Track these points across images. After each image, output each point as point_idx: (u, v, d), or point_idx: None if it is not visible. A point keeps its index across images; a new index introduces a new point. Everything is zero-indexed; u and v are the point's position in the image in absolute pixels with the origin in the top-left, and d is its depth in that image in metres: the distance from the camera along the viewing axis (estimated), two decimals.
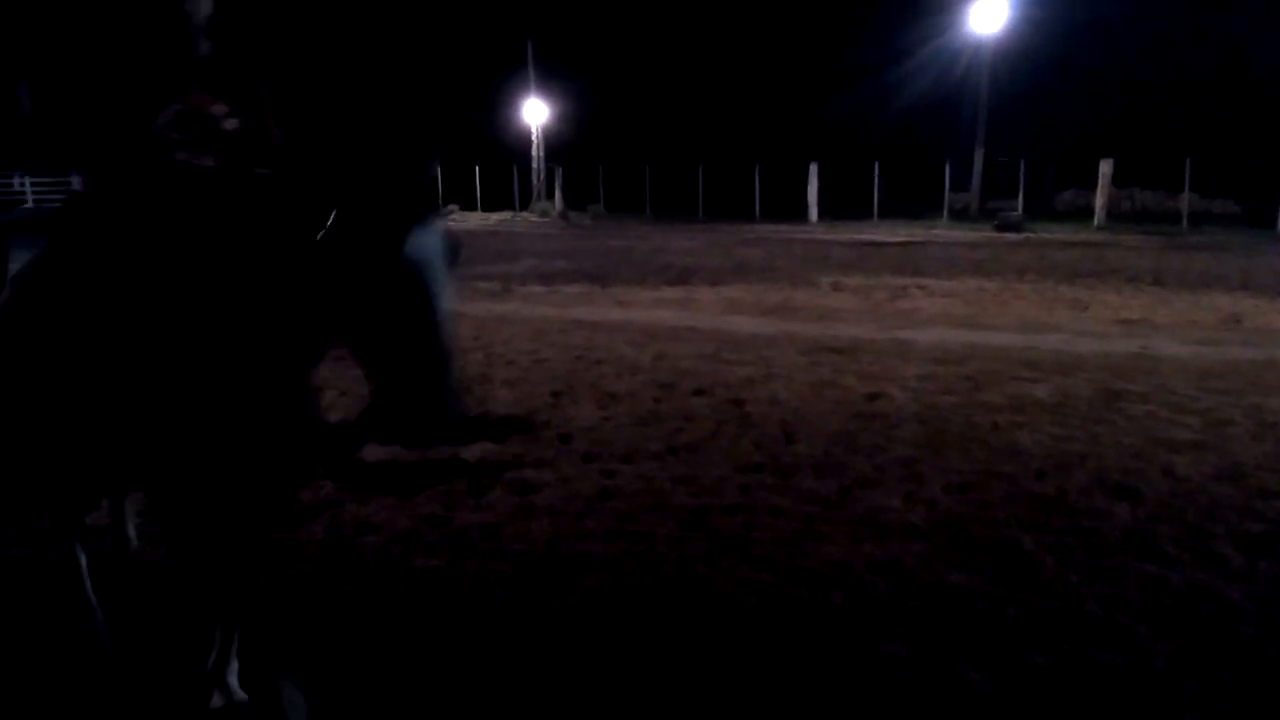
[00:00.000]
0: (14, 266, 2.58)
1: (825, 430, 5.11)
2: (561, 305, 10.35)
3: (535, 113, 36.57)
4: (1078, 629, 2.90)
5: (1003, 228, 23.38)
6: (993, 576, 3.26)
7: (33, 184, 25.35)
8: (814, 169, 29.40)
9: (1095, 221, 24.88)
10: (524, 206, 36.24)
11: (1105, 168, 25.35)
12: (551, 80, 36.47)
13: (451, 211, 35.43)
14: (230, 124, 2.38)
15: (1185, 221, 23.87)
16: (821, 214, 29.12)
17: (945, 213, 27.87)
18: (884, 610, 3.04)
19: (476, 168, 36.98)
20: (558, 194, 35.05)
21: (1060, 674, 2.67)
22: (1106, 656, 2.75)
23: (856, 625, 2.94)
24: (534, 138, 36.72)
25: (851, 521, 3.78)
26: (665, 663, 2.75)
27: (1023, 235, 22.13)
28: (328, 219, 1.96)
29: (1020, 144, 28.86)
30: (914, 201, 28.87)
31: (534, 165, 36.84)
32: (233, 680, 2.36)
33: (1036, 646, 2.80)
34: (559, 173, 35.25)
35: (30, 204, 23.99)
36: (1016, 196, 27.53)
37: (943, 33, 29.65)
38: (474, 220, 32.87)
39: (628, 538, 3.65)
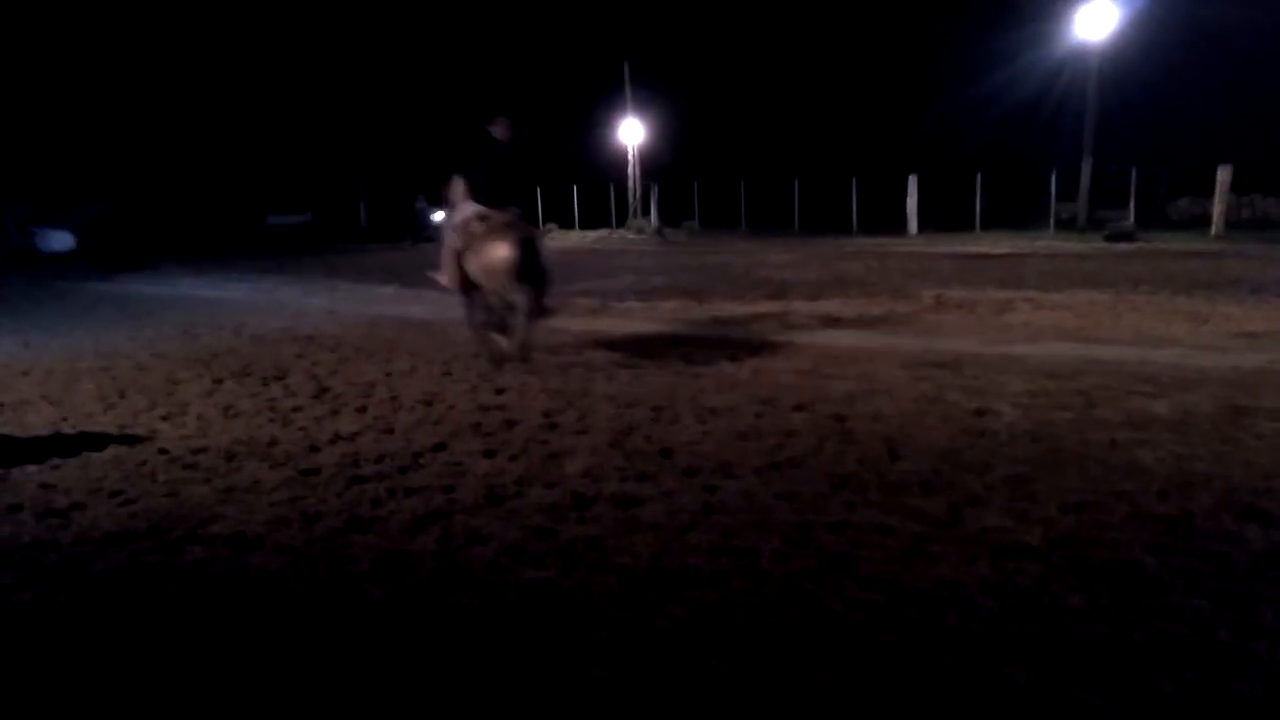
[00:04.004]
0: None
1: (931, 447, 5.01)
2: (659, 320, 10.41)
3: (631, 132, 36.91)
4: (1208, 657, 2.77)
5: (1113, 238, 22.48)
6: (1115, 600, 3.14)
7: None
8: (913, 181, 28.85)
9: (1213, 230, 23.68)
10: (620, 224, 36.57)
11: (1223, 174, 24.10)
12: (647, 99, 36.80)
13: (550, 230, 36.04)
14: None
15: None
16: (921, 226, 28.53)
17: (1051, 223, 26.97)
18: (1000, 633, 2.96)
19: (574, 187, 37.56)
20: (653, 211, 35.27)
21: (1190, 704, 2.56)
22: (1242, 687, 2.62)
23: (972, 648, 2.88)
24: (630, 157, 37.06)
25: (962, 541, 3.70)
26: (772, 681, 2.74)
27: (1134, 245, 21.25)
28: None
29: (1130, 151, 27.74)
30: (1017, 212, 28.05)
31: (630, 184, 37.17)
32: None
33: (1164, 674, 2.69)
34: (655, 190, 35.48)
35: None
36: (1127, 206, 26.42)
37: (1047, 38, 28.78)
38: (573, 239, 33.35)
39: (732, 553, 3.65)
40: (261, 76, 43.93)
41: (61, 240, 30.06)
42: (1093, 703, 2.57)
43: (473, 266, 7.70)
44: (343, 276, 17.87)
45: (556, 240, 32.38)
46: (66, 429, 6.14)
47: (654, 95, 36.73)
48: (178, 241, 33.30)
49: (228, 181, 45.21)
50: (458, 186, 8.24)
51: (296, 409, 6.50)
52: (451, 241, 7.95)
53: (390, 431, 5.77)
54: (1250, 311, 9.60)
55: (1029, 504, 4.07)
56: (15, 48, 39.04)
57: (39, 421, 6.38)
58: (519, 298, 7.49)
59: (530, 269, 7.46)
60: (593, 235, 34.57)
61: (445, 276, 8.10)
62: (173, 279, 18.98)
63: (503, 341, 7.88)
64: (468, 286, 7.95)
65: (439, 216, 34.51)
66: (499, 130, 7.91)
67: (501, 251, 7.40)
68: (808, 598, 3.25)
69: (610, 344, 8.82)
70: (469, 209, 7.95)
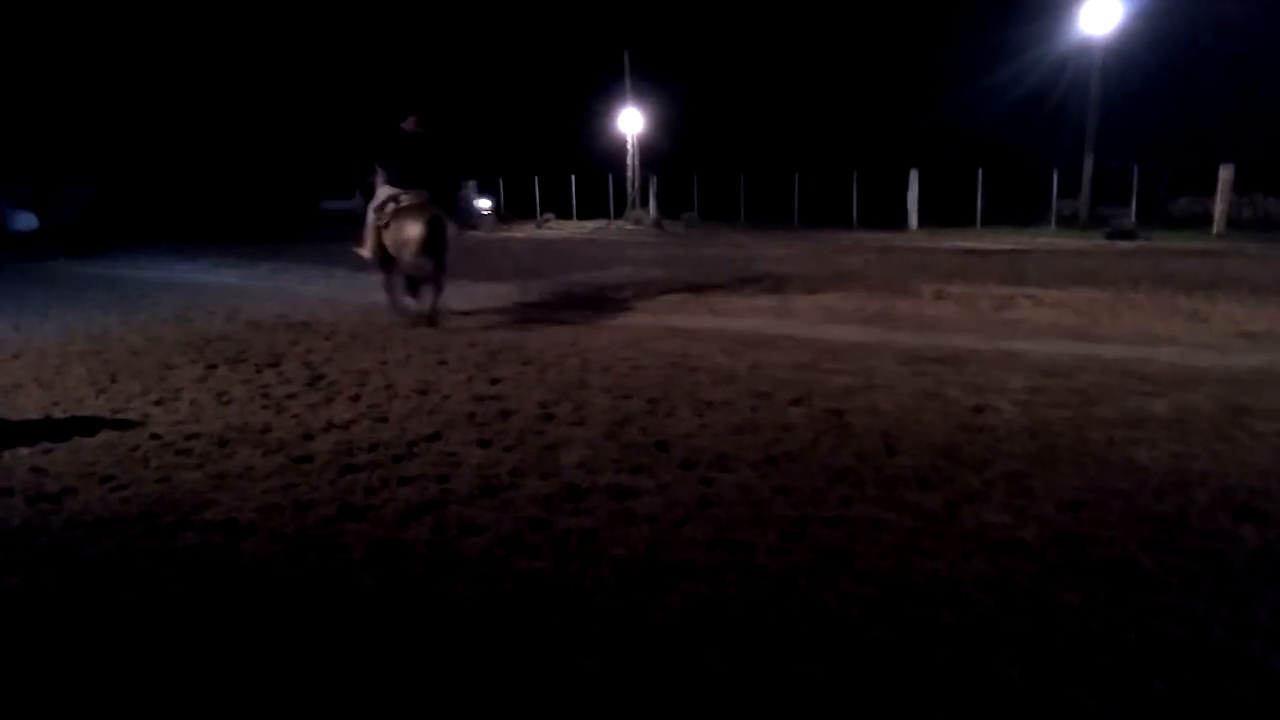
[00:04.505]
0: None
1: (929, 442, 4.99)
2: (657, 312, 10.38)
3: (630, 122, 36.79)
4: (1203, 656, 2.76)
5: (1114, 235, 22.45)
6: (1110, 598, 3.13)
7: None
8: (914, 175, 28.78)
9: (1214, 229, 23.64)
10: (619, 215, 36.49)
11: (1225, 173, 24.06)
12: (647, 89, 36.68)
13: (548, 219, 35.98)
14: None
15: None
16: (922, 221, 28.47)
17: (1053, 220, 26.94)
18: (995, 630, 2.95)
19: (572, 177, 37.45)
20: (652, 202, 35.16)
21: (1185, 703, 2.54)
22: (1235, 686, 2.60)
23: (967, 645, 2.86)
24: (629, 146, 36.95)
25: (959, 537, 3.68)
26: (766, 675, 2.73)
27: (1135, 243, 21.22)
28: None
29: (1133, 148, 27.66)
30: (1018, 208, 28.00)
31: (629, 174, 37.06)
32: None
33: (1158, 673, 2.67)
34: (653, 181, 35.37)
35: None
36: (1128, 203, 26.39)
37: (1050, 34, 28.68)
38: (570, 229, 33.26)
39: (727, 547, 3.63)
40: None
41: (26, 221, 31.04)
42: (1086, 700, 2.55)
43: (389, 240, 9.33)
44: (341, 263, 17.79)
45: (554, 230, 32.31)
46: (58, 413, 6.11)
47: (654, 85, 36.62)
48: (200, 226, 33.24)
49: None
50: (378, 174, 9.74)
51: (290, 396, 6.47)
52: (372, 219, 9.56)
53: (385, 420, 5.74)
54: (1251, 311, 9.58)
55: (1026, 501, 4.06)
56: (31, 27, 38.91)
57: (30, 405, 6.35)
58: (426, 267, 9.21)
59: (435, 243, 9.09)
60: (590, 225, 34.47)
61: (367, 250, 9.79)
62: (166, 263, 18.91)
63: (413, 305, 9.67)
64: (385, 258, 9.60)
65: (485, 204, 35.41)
66: (409, 125, 9.53)
67: (413, 230, 9.01)
68: (803, 592, 3.23)
69: (607, 336, 8.79)
70: (385, 192, 9.48)
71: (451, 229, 9.49)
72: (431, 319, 9.29)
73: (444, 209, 9.61)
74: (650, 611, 3.11)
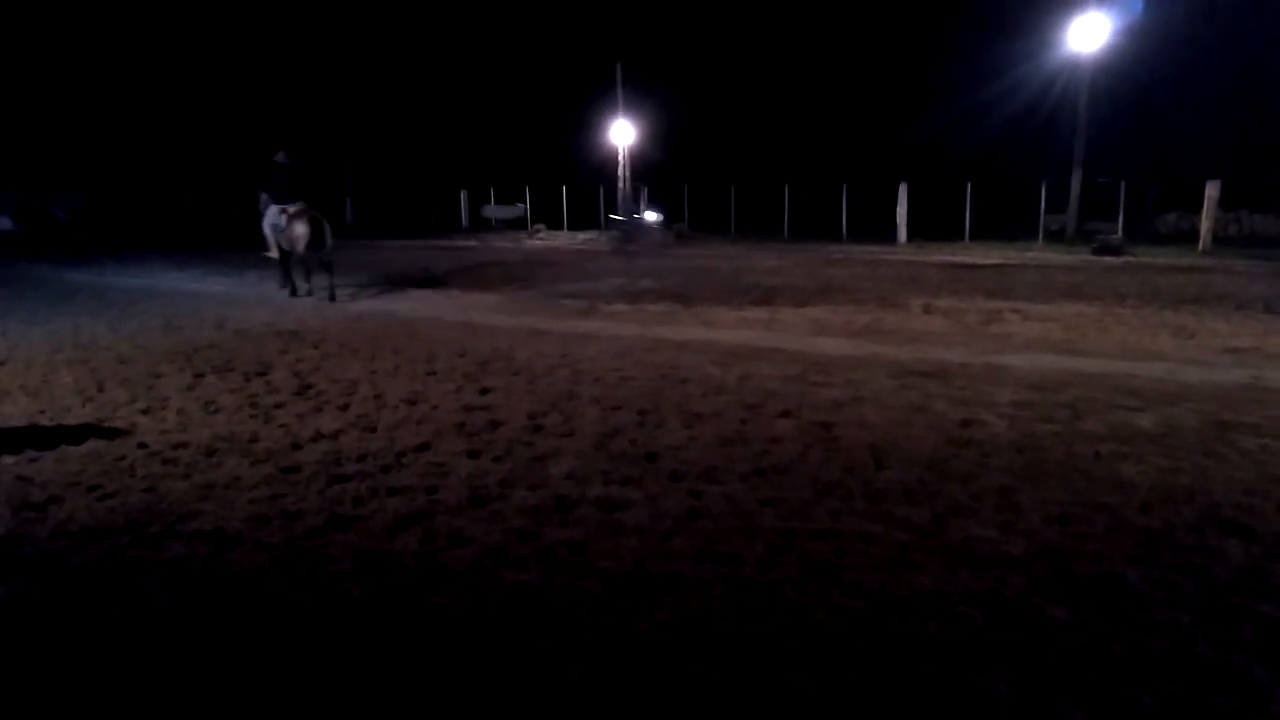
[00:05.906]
0: None
1: (917, 456, 5.00)
2: (646, 324, 10.39)
3: (622, 133, 36.87)
4: (1188, 670, 2.77)
5: (1101, 251, 22.57)
6: (1096, 612, 3.14)
7: None
8: (903, 189, 28.90)
9: (1200, 246, 23.80)
10: (610, 226, 36.51)
11: (1212, 190, 24.23)
12: (639, 100, 36.78)
13: (539, 230, 35.99)
14: None
15: None
16: (911, 235, 28.57)
17: (1040, 235, 27.08)
18: (982, 643, 2.96)
19: (564, 188, 37.49)
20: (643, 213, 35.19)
21: (1171, 716, 2.55)
22: (1220, 700, 2.62)
23: (953, 658, 2.87)
24: (621, 158, 37.00)
25: (946, 550, 3.69)
26: (754, 687, 2.73)
27: (1122, 259, 21.35)
28: None
29: (1120, 164, 27.86)
30: (1006, 223, 28.13)
31: (620, 185, 37.10)
32: None
33: (1144, 687, 2.69)
34: (644, 192, 35.41)
35: None
36: (1115, 219, 26.55)
37: (1039, 51, 28.91)
38: (561, 239, 33.25)
39: (716, 559, 3.63)
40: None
41: None
42: (1073, 713, 2.56)
43: (285, 241, 13.03)
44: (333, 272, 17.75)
45: (545, 240, 32.31)
46: (44, 421, 6.07)
47: (646, 97, 36.72)
48: (188, 234, 33.13)
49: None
50: (264, 196, 13.72)
51: (278, 405, 6.45)
52: (270, 231, 13.42)
53: (373, 430, 5.73)
54: (1236, 327, 9.65)
55: (1013, 515, 4.08)
56: (25, 34, 38.85)
57: (16, 413, 6.31)
58: (318, 257, 12.93)
59: (319, 237, 12.68)
60: (581, 236, 34.47)
61: (273, 251, 13.61)
62: (155, 271, 18.82)
63: (305, 287, 13.42)
64: (283, 255, 13.46)
65: (652, 216, 33.43)
66: (280, 157, 13.40)
67: (300, 230, 12.63)
68: (791, 605, 3.24)
69: (596, 346, 8.80)
70: (275, 210, 13.25)
71: (327, 227, 12.78)
72: (331, 295, 12.94)
73: (323, 214, 12.98)
74: (638, 623, 3.11)
